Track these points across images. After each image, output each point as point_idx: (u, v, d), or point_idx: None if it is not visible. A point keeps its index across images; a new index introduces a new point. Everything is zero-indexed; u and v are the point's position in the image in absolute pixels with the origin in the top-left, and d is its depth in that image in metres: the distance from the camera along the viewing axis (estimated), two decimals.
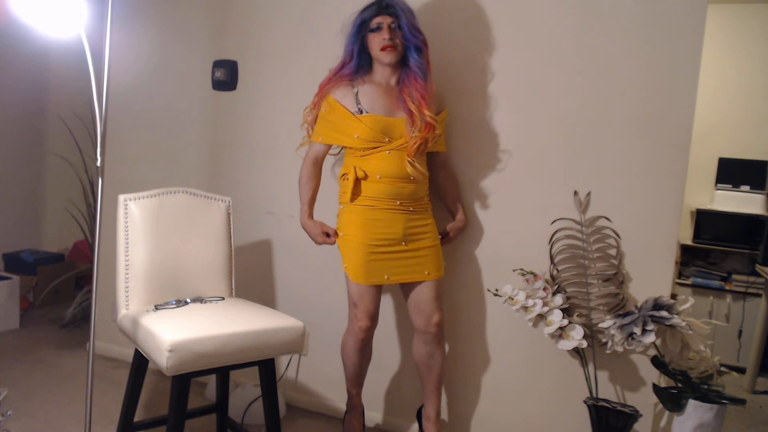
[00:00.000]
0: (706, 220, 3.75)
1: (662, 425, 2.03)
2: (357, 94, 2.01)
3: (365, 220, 2.01)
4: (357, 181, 2.01)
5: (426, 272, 2.04)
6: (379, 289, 2.07)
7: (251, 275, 2.66)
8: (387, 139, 1.98)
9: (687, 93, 1.97)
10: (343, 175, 2.08)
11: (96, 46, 1.69)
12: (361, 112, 1.99)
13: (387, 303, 2.41)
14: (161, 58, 2.85)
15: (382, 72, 2.04)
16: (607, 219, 2.07)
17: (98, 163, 1.72)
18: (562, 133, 2.13)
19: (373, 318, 2.05)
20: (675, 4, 1.96)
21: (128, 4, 2.82)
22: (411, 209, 2.03)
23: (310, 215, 2.12)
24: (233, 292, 2.14)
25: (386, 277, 2.02)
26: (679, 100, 1.98)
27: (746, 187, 3.77)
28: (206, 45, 2.73)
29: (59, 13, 1.61)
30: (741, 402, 1.90)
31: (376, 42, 1.98)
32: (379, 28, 1.97)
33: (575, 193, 2.10)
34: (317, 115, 2.09)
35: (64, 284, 3.83)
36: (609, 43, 2.05)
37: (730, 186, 3.80)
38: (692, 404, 1.88)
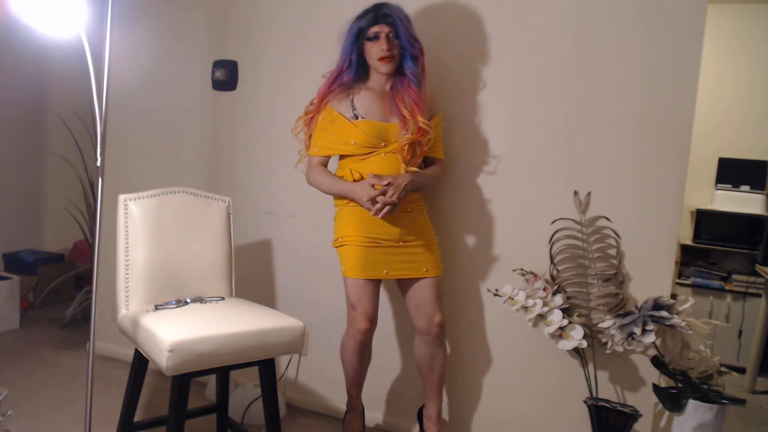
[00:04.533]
0: (706, 220, 3.75)
1: (662, 425, 2.03)
2: (352, 101, 2.02)
3: (361, 220, 2.01)
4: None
5: (424, 269, 2.04)
6: (377, 290, 2.07)
7: (251, 275, 2.66)
8: (383, 144, 1.99)
9: (687, 93, 1.97)
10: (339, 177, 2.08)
11: (96, 46, 1.69)
12: (357, 118, 2.00)
13: (386, 303, 2.41)
14: (161, 58, 2.85)
15: (377, 78, 2.05)
16: (607, 219, 2.07)
17: (98, 163, 1.72)
18: (562, 133, 2.13)
19: (372, 320, 2.05)
20: (675, 4, 1.96)
21: (128, 4, 2.82)
22: (407, 210, 2.03)
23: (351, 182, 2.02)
24: (233, 292, 2.14)
25: (385, 271, 2.02)
26: (679, 100, 1.98)
27: (746, 187, 3.77)
28: (206, 45, 2.73)
29: (59, 13, 1.61)
30: (741, 402, 1.90)
31: (374, 51, 1.98)
32: (376, 37, 1.97)
33: (575, 193, 2.10)
34: (314, 127, 2.09)
35: (64, 284, 3.83)
36: (609, 42, 2.05)
37: (730, 186, 3.80)
38: (692, 404, 1.88)
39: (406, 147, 1.97)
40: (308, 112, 2.12)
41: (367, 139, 1.98)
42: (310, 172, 2.11)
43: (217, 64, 2.68)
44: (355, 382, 2.18)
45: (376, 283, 2.06)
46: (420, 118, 1.96)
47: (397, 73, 2.03)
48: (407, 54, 1.99)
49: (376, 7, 2.00)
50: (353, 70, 2.03)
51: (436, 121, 2.08)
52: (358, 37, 2.00)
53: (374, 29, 1.97)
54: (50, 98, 4.00)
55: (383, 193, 1.92)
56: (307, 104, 2.13)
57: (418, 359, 2.13)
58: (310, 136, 2.12)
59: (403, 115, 1.97)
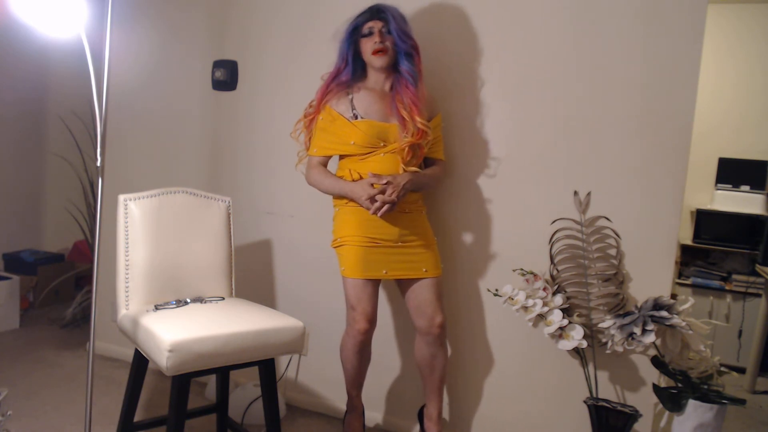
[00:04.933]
0: (706, 220, 3.75)
1: (662, 425, 2.03)
2: (352, 100, 2.03)
3: (360, 221, 2.01)
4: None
5: (424, 269, 2.04)
6: (376, 290, 2.07)
7: (251, 275, 2.66)
8: (382, 144, 1.99)
9: (687, 93, 1.97)
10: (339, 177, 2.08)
11: (96, 46, 1.69)
12: (356, 118, 2.00)
13: (386, 303, 2.41)
14: (161, 58, 2.85)
15: (376, 77, 2.06)
16: (607, 219, 2.07)
17: (98, 163, 1.72)
18: (562, 133, 2.13)
19: (372, 320, 2.05)
20: (675, 4, 1.96)
21: (128, 4, 2.82)
22: (406, 210, 2.04)
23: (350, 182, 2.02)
24: (233, 292, 2.14)
25: (385, 271, 2.02)
26: (679, 100, 1.98)
27: (746, 187, 3.77)
28: (206, 45, 2.73)
29: (59, 13, 1.61)
30: (741, 402, 1.90)
31: (368, 46, 2.00)
32: (370, 33, 2.00)
33: (575, 193, 2.10)
34: (313, 127, 2.10)
35: (64, 284, 3.83)
36: (609, 43, 2.05)
37: (730, 186, 3.80)
38: (692, 404, 1.88)
39: (406, 149, 1.97)
40: (307, 114, 2.12)
41: (367, 139, 1.98)
42: (309, 172, 2.12)
43: (217, 64, 2.68)
44: (355, 382, 2.18)
45: (376, 283, 2.06)
46: (419, 119, 1.96)
47: (396, 72, 2.03)
48: (401, 51, 2.00)
49: (372, 7, 2.04)
50: (350, 69, 2.05)
51: (436, 122, 2.08)
52: (353, 35, 2.03)
53: (368, 25, 2.00)
54: (50, 98, 4.00)
55: (382, 192, 1.92)
56: (306, 106, 2.13)
57: (418, 359, 2.13)
58: (311, 137, 2.12)
59: (402, 116, 1.97)
